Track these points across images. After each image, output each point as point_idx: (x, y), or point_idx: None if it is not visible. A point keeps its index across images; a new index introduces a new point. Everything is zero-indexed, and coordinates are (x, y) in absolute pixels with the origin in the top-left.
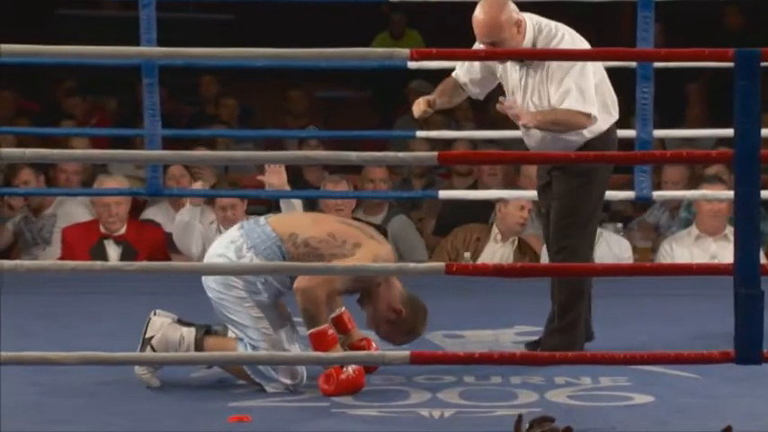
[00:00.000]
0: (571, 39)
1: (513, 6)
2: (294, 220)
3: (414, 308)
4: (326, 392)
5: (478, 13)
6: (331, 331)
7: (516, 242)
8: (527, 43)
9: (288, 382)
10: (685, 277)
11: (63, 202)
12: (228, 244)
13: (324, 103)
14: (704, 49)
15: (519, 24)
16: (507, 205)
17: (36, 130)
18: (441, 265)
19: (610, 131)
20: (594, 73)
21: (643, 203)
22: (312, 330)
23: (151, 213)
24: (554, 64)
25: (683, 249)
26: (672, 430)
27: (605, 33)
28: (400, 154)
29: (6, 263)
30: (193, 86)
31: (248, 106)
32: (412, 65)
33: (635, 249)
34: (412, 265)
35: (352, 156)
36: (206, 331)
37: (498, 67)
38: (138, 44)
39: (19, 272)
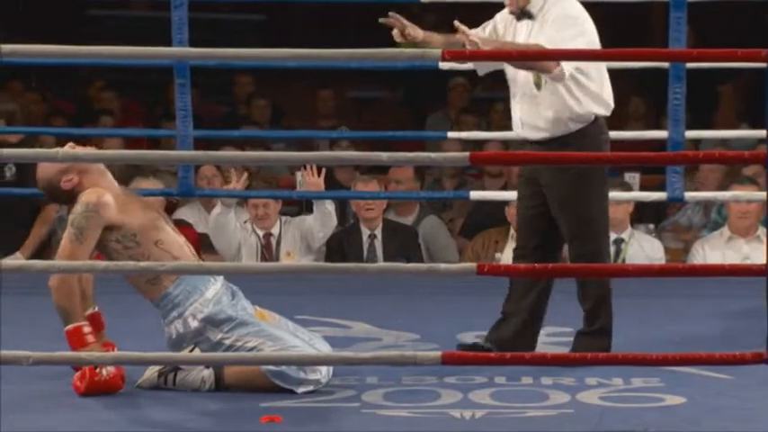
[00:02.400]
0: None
1: None
2: None
3: None
4: (78, 390)
5: None
6: (87, 329)
7: None
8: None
9: (316, 377)
10: (717, 278)
11: None
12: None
13: (355, 104)
14: (737, 50)
15: None
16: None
17: (68, 131)
18: (472, 265)
19: (603, 123)
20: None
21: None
22: (68, 327)
23: (183, 213)
24: (552, 18)
25: (714, 251)
26: (704, 431)
27: (636, 33)
28: (432, 154)
29: (39, 263)
30: (226, 87)
31: (280, 106)
32: (443, 65)
33: (667, 250)
34: (443, 265)
35: (384, 156)
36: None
37: (509, 27)
38: (167, 44)
39: (52, 271)
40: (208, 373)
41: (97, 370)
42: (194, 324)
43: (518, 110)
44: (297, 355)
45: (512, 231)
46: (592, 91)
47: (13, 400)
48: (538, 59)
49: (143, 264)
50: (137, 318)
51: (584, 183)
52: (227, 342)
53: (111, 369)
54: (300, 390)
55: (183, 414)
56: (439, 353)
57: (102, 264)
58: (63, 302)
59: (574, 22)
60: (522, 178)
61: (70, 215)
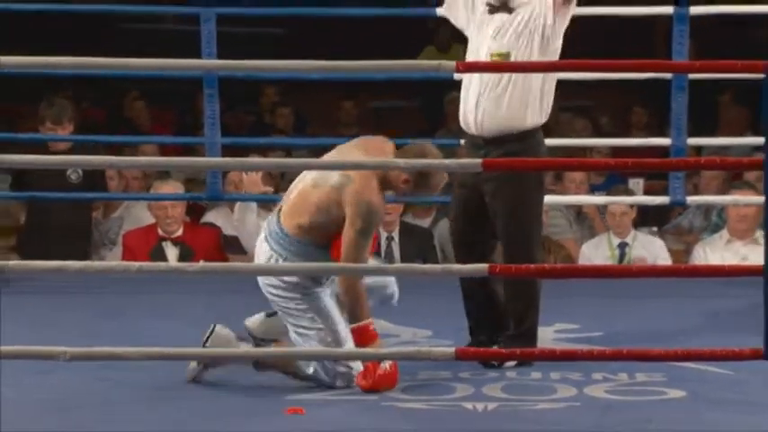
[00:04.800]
0: None
1: None
2: (291, 206)
3: (412, 154)
4: (364, 388)
5: None
6: (372, 327)
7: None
8: None
9: (341, 385)
10: (718, 278)
11: (129, 206)
12: (262, 255)
13: (374, 113)
14: (737, 61)
15: None
16: None
17: (102, 138)
18: (484, 266)
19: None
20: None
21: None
22: (354, 325)
23: (211, 217)
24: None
25: (714, 253)
26: (704, 424)
27: (640, 46)
28: (445, 161)
29: (76, 263)
30: (252, 97)
31: (303, 116)
32: (458, 76)
33: (669, 252)
34: (457, 266)
35: (401, 162)
36: (270, 346)
37: (484, 18)
38: (196, 56)
39: (88, 272)
40: (246, 347)
41: (380, 364)
42: (293, 278)
43: (480, 111)
44: (323, 351)
45: None
46: (549, 103)
47: (49, 399)
48: (550, 69)
49: (165, 264)
50: (161, 318)
51: (525, 190)
52: (301, 306)
53: (389, 362)
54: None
55: (210, 405)
56: (453, 349)
57: (137, 264)
58: (353, 303)
59: None
60: (460, 185)
61: (356, 207)
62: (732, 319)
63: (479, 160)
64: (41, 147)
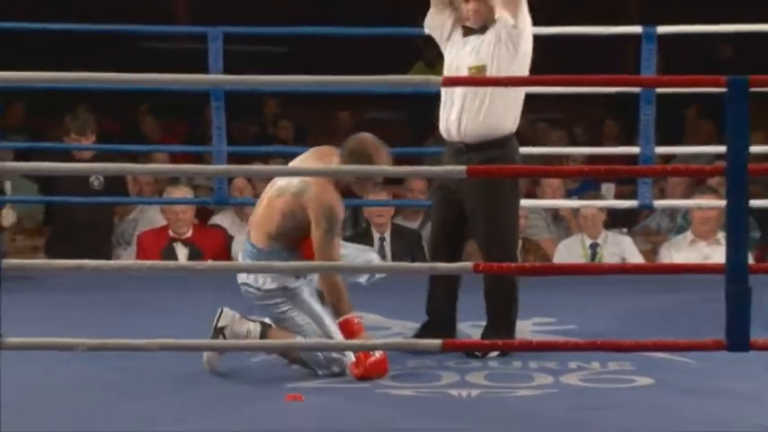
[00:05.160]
0: None
1: None
2: (259, 218)
3: (353, 151)
4: (357, 376)
5: None
6: (357, 320)
7: (520, 243)
8: None
9: (337, 371)
10: (682, 276)
11: (143, 209)
12: (243, 276)
13: (368, 123)
14: (701, 77)
15: None
16: None
17: (122, 147)
18: (468, 264)
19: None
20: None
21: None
22: (340, 320)
23: (218, 219)
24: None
25: (679, 252)
26: (670, 409)
27: (612, 63)
28: (432, 168)
29: (92, 262)
30: (256, 109)
31: (303, 126)
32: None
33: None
34: (443, 264)
35: (390, 169)
36: (269, 326)
37: (459, 42)
38: (204, 72)
39: (105, 270)
40: (253, 325)
41: (370, 353)
42: (272, 285)
43: (463, 119)
44: (316, 343)
45: None
46: (519, 112)
47: (68, 386)
48: (531, 84)
49: (174, 263)
50: (171, 313)
51: (502, 194)
52: (284, 308)
53: (379, 352)
54: (321, 372)
55: (215, 396)
56: (440, 340)
57: (149, 263)
58: (333, 299)
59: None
60: (440, 189)
61: (318, 210)
62: (695, 314)
63: (464, 167)
64: (66, 156)
